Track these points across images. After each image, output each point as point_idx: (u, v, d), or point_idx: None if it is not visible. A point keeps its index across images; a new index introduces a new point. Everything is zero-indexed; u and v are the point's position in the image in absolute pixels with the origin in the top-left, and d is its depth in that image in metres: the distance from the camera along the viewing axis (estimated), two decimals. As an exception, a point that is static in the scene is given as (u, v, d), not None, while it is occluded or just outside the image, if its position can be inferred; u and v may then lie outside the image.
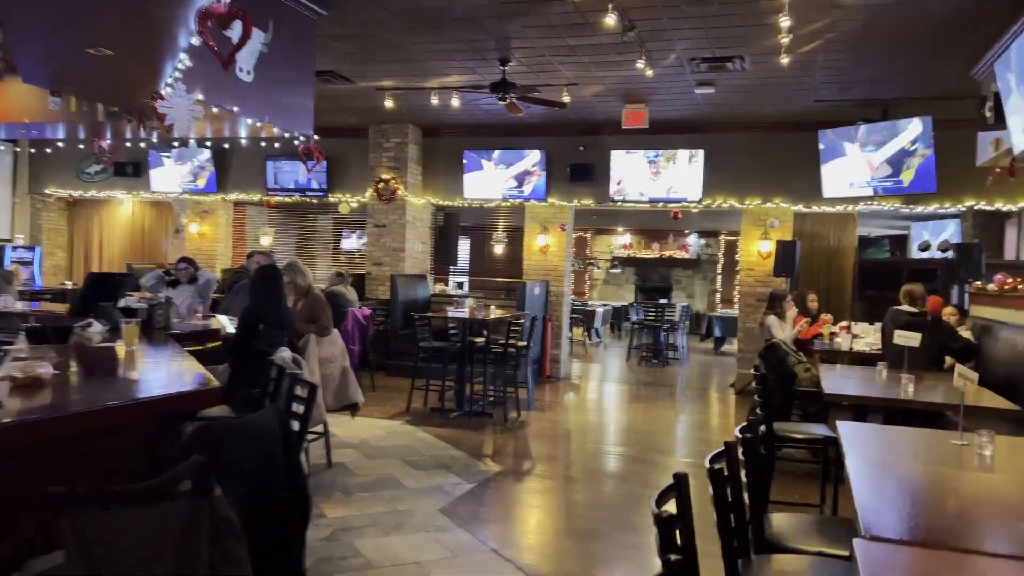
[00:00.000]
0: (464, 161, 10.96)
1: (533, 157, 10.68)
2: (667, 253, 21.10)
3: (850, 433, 2.96)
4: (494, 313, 8.48)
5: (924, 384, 4.73)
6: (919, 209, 9.57)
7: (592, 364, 13.39)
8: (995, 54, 5.49)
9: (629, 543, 4.58)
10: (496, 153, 10.84)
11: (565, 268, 10.94)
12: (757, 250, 10.15)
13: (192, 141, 6.11)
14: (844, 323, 7.06)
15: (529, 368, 8.42)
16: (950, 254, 9.13)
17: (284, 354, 4.44)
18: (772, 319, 7.02)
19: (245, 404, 4.48)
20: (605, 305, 17.79)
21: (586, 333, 16.35)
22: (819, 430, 4.47)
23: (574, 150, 10.64)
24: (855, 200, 9.42)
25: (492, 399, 8.34)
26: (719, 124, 10.06)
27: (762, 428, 2.50)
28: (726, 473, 2.10)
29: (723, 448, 2.24)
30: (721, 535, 2.15)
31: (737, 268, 20.75)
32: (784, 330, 6.89)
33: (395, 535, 4.48)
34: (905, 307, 5.61)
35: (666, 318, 13.38)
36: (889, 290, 10.47)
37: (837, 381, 4.66)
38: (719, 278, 20.88)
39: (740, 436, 2.42)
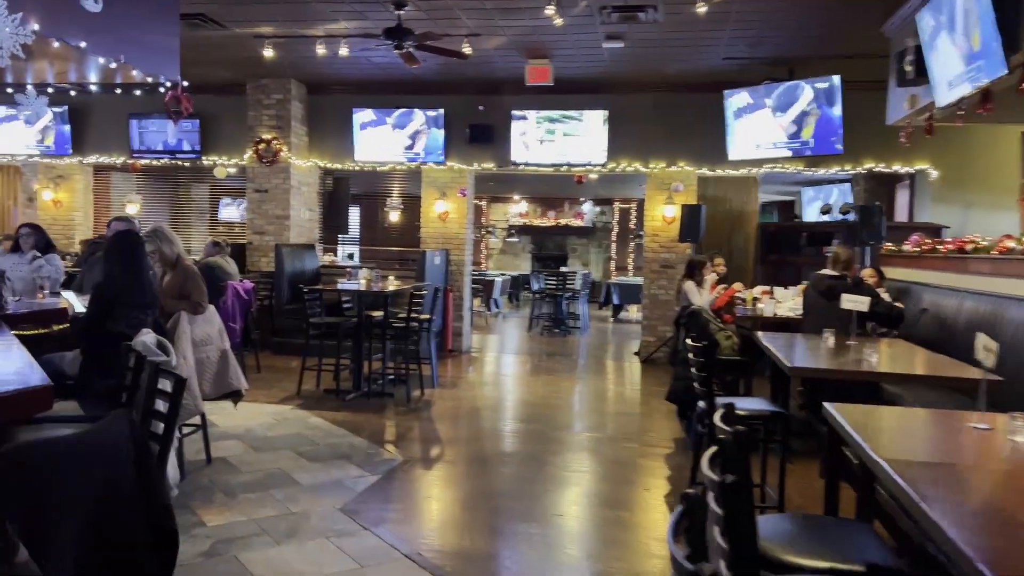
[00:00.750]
0: (354, 120, 10.14)
1: (430, 117, 9.99)
2: (563, 221, 20.87)
3: (848, 418, 2.50)
4: (392, 284, 7.82)
5: (886, 353, 4.51)
6: (821, 172, 9.54)
7: (493, 335, 12.92)
8: (918, 2, 5.27)
9: (544, 536, 4.13)
10: (390, 112, 10.07)
11: (466, 236, 10.36)
12: (662, 215, 9.90)
13: (30, 87, 5.08)
14: (765, 288, 6.86)
15: (432, 343, 7.83)
16: (852, 216, 9.16)
17: (146, 338, 3.66)
18: (690, 285, 6.72)
19: (99, 398, 3.70)
20: (503, 274, 17.35)
21: (485, 304, 15.88)
22: (758, 404, 4.13)
23: (473, 110, 10.02)
24: (760, 163, 9.29)
25: (392, 378, 7.71)
26: (624, 84, 9.68)
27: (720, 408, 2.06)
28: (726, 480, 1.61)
29: (715, 449, 1.75)
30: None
31: (632, 236, 20.84)
32: (703, 296, 6.61)
33: (288, 544, 3.83)
34: (827, 270, 5.37)
35: (567, 286, 13.06)
36: (790, 254, 10.52)
37: (788, 352, 4.30)
38: (614, 246, 20.86)
39: (723, 423, 1.94)
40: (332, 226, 11.07)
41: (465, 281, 10.41)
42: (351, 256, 14.08)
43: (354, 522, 4.11)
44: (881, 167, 9.29)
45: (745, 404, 4.04)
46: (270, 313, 9.67)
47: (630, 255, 20.68)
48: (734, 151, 9.12)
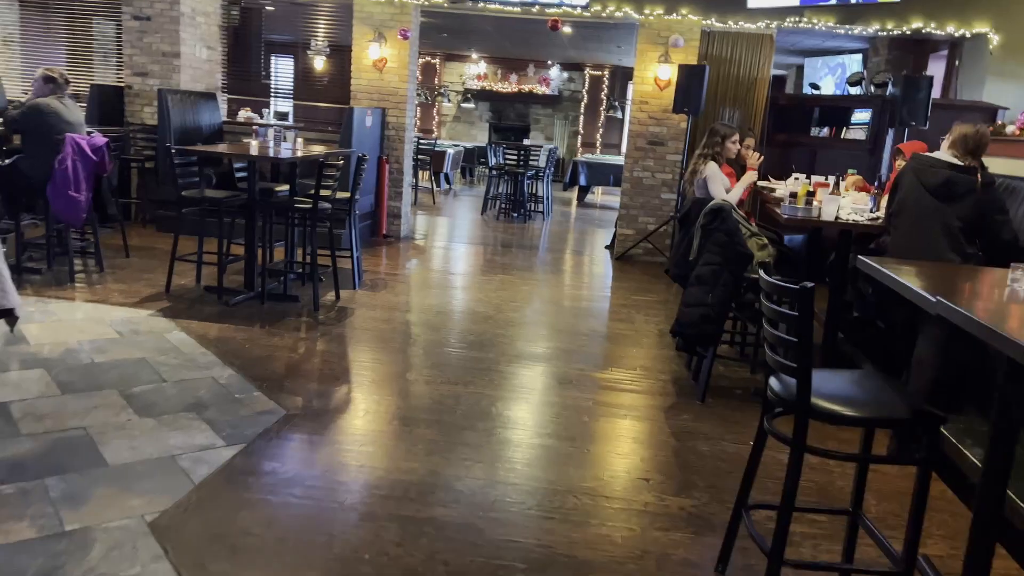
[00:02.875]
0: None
1: (363, -70, 7.65)
2: (526, 87, 18.57)
3: None
4: (303, 150, 5.85)
5: None
6: (857, 30, 7.57)
7: (441, 218, 11.02)
8: None
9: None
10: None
11: (408, 92, 8.25)
12: (654, 76, 7.91)
13: None
14: (822, 178, 5.07)
15: (355, 229, 5.95)
16: (890, 89, 7.33)
17: None
18: (714, 169, 4.84)
19: None
20: (456, 146, 15.22)
21: (434, 179, 13.88)
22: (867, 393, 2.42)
23: (421, -77, 7.71)
24: (789, 12, 7.30)
25: (298, 274, 5.87)
26: (618, -102, 7.45)
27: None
28: None
29: None
30: None
31: (608, 106, 18.66)
32: (730, 191, 4.76)
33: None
34: (943, 154, 3.57)
35: (530, 163, 11.09)
36: (800, 133, 8.72)
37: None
38: (582, 118, 18.75)
39: None
40: (240, 72, 8.80)
41: (405, 150, 8.40)
42: (284, 116, 11.81)
43: (165, 560, 2.37)
44: (931, 28, 7.39)
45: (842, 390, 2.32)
46: (155, 179, 7.61)
47: (599, 129, 18.62)
48: (755, -4, 7.11)
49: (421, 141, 13.06)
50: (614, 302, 6.53)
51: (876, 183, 5.48)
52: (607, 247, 9.04)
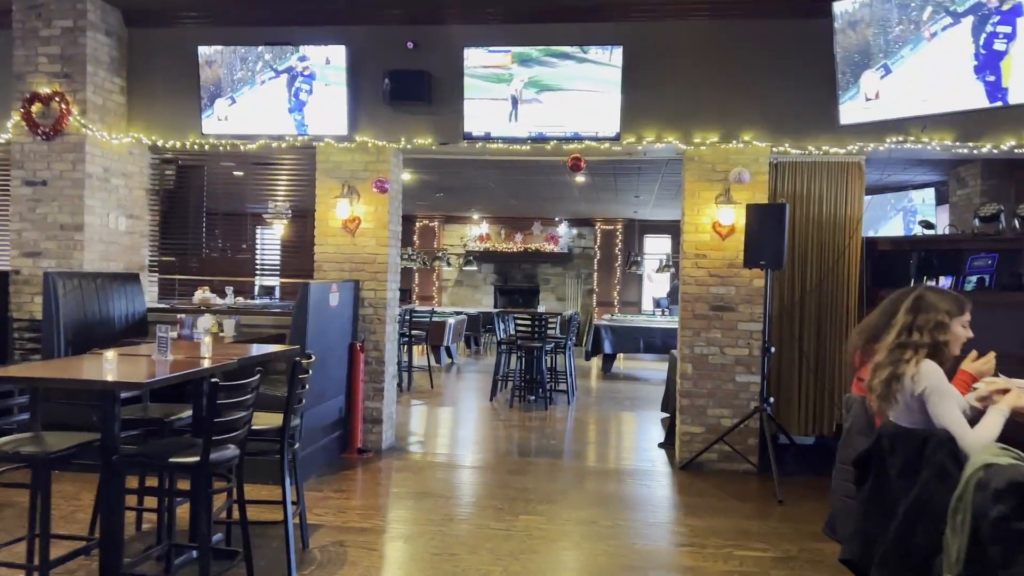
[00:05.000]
0: (201, 67, 6.09)
1: (322, 59, 5.98)
2: (532, 246, 16.94)
3: None
4: (224, 349, 3.79)
5: None
6: (985, 148, 5.67)
7: (441, 409, 8.78)
8: None
9: None
10: (254, 52, 6.05)
11: (389, 257, 6.30)
12: (712, 223, 5.97)
13: None
14: None
15: (290, 475, 3.72)
16: (1004, 223, 5.37)
17: None
18: (935, 376, 2.53)
19: None
20: (458, 313, 13.26)
21: (432, 354, 11.83)
22: None
23: (398, 47, 6.05)
24: (881, 131, 5.47)
25: (197, 553, 3.60)
26: (647, 4, 5.81)
27: None
28: None
29: None
30: None
31: (619, 264, 16.93)
32: (965, 412, 2.45)
33: None
34: None
35: (547, 332, 9.00)
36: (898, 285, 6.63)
37: None
38: (595, 276, 16.99)
39: None
40: (173, 245, 6.91)
41: (387, 332, 6.33)
42: (270, 292, 9.91)
43: None
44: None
45: None
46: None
47: (616, 287, 16.79)
48: (849, 112, 5.27)
49: (415, 311, 11.09)
50: (711, 563, 4.15)
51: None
52: (661, 445, 6.76)
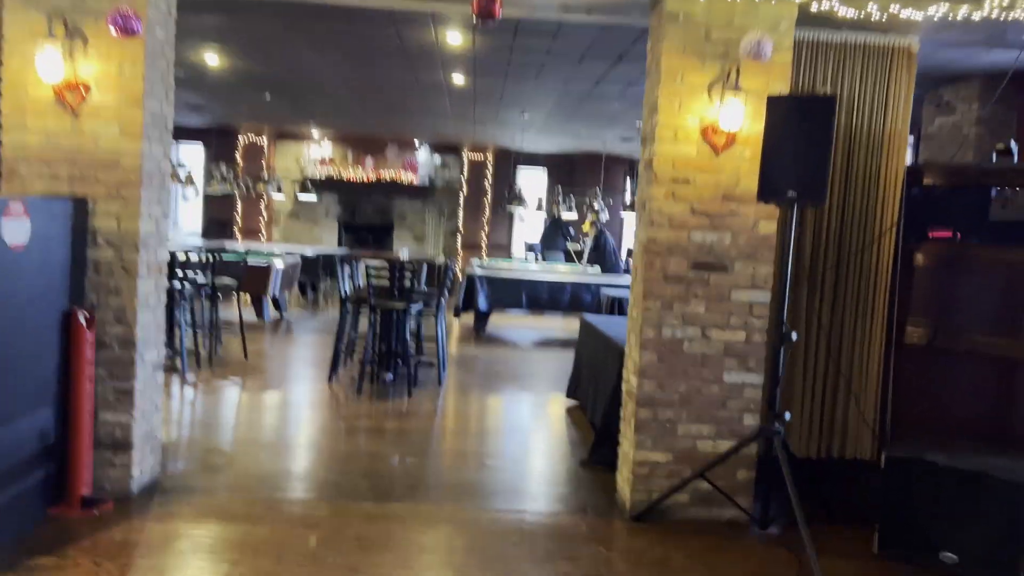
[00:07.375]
0: None
1: None
2: (386, 175, 14.19)
3: None
4: None
5: None
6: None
7: (252, 397, 6.08)
8: None
9: None
10: None
11: (144, 159, 3.52)
12: (705, 125, 3.65)
13: None
14: None
15: None
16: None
17: None
18: None
19: None
20: (290, 254, 10.33)
21: (253, 304, 9.08)
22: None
23: None
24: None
25: None
26: None
27: None
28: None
29: None
30: None
31: (488, 198, 14.41)
32: None
33: None
34: None
35: (413, 287, 6.45)
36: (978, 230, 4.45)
37: None
38: (461, 214, 14.55)
39: None
40: None
41: (139, 291, 3.59)
42: None
43: None
44: None
45: None
46: None
47: (484, 227, 14.44)
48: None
49: (223, 251, 8.22)
50: None
51: None
52: (585, 464, 4.55)
